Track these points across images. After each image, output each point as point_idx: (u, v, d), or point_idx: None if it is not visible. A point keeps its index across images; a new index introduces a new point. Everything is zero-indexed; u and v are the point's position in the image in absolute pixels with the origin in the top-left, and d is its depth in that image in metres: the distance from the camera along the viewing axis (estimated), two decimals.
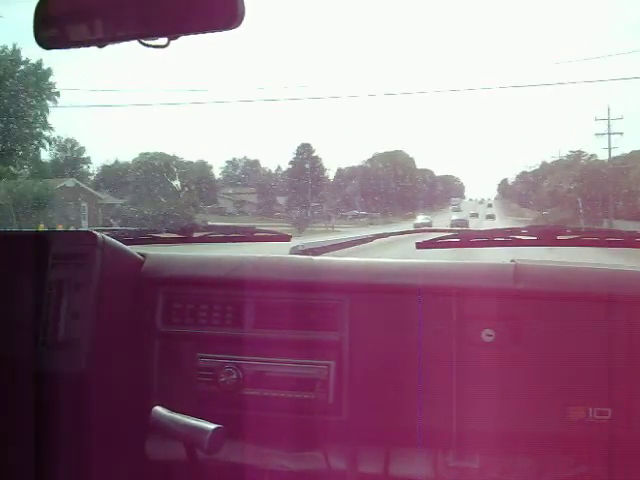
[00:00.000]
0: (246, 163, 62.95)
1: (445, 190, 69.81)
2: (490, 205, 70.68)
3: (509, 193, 67.63)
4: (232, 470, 1.80)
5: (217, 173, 57.25)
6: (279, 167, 59.59)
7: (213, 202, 41.54)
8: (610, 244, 2.07)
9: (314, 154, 50.85)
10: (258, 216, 41.61)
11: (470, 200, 79.27)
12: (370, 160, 56.94)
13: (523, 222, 33.69)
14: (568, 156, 47.04)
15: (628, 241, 2.05)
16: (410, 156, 60.42)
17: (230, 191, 47.38)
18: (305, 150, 49.98)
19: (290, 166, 50.31)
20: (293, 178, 46.84)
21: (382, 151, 58.05)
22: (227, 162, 63.40)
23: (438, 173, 71.36)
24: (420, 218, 37.49)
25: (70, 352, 1.76)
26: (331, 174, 54.17)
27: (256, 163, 62.85)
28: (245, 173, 59.56)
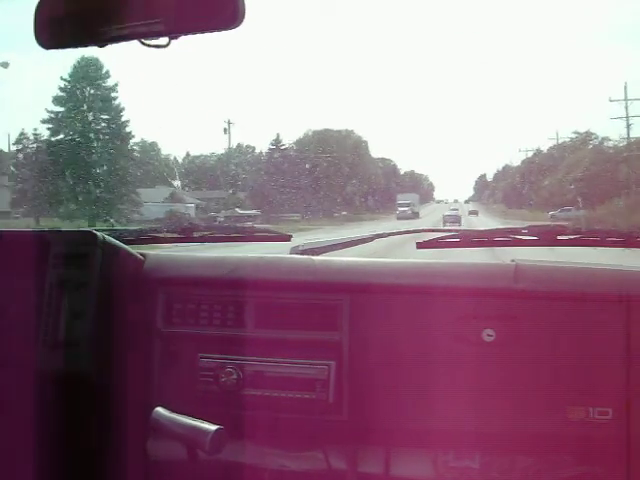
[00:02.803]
0: (142, 148, 44.96)
1: (410, 187, 54.58)
2: (467, 202, 65.78)
3: (489, 192, 60.47)
4: (232, 470, 1.80)
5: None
6: (188, 154, 44.33)
7: None
8: (610, 244, 2.07)
9: (110, 94, 27.28)
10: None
11: (438, 202, 68.50)
12: (299, 141, 39.85)
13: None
14: (572, 139, 40.44)
15: (629, 241, 2.05)
16: (363, 139, 44.51)
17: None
18: (94, 73, 26.03)
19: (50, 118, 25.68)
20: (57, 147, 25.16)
21: (321, 128, 41.95)
22: None
23: (403, 169, 58.59)
24: None
25: (70, 352, 1.76)
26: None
27: (154, 145, 46.51)
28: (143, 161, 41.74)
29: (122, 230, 2.29)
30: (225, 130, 37.06)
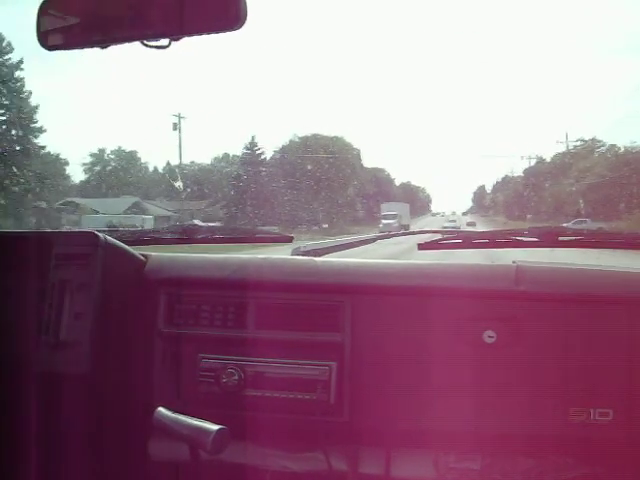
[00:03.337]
0: (119, 156, 47.25)
1: (405, 199, 49.49)
2: (465, 214, 64.73)
3: (488, 204, 59.11)
4: (234, 470, 1.80)
5: (79, 171, 39.91)
6: (168, 163, 44.30)
7: None
8: (611, 245, 2.07)
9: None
10: None
11: (434, 215, 66.60)
12: (285, 147, 36.61)
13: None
14: (576, 147, 39.38)
15: (629, 242, 2.06)
16: (355, 146, 40.84)
17: None
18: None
19: None
20: None
21: (309, 134, 38.68)
22: (92, 155, 46.76)
23: (400, 181, 56.08)
24: None
25: (72, 353, 1.76)
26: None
27: (132, 155, 47.49)
28: (119, 171, 43.80)
29: (124, 231, 2.29)
30: (175, 126, 30.19)
